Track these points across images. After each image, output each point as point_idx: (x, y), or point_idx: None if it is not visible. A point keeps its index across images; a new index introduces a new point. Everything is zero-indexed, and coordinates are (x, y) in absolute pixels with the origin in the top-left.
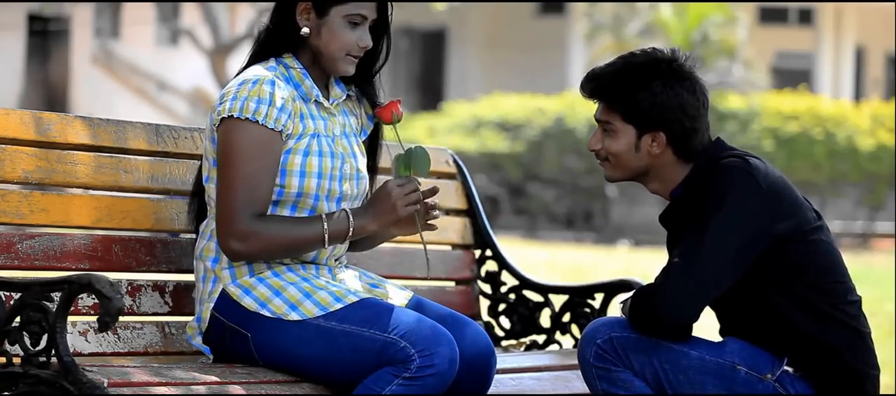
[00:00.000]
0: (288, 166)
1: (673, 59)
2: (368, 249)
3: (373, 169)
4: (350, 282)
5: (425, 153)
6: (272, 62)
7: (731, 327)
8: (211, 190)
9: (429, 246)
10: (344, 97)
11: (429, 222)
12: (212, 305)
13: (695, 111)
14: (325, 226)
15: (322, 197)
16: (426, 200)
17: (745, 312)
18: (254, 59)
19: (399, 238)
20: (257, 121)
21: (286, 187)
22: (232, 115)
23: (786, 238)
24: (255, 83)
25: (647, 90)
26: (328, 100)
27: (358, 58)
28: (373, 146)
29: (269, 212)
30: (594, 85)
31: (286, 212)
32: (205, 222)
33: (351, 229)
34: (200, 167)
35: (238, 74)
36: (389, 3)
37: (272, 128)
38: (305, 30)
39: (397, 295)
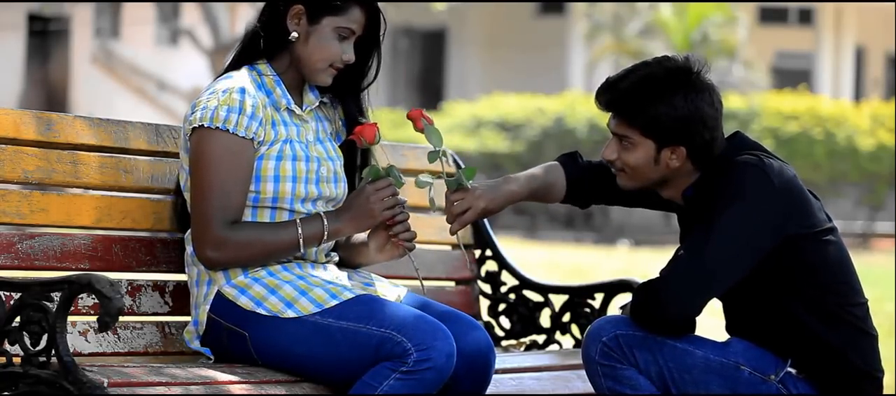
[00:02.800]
0: (262, 172)
1: (689, 69)
2: (362, 266)
3: (354, 169)
4: (345, 279)
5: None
6: (245, 69)
7: (737, 326)
8: (188, 197)
9: (430, 246)
10: (317, 103)
11: (408, 243)
12: (208, 307)
13: (714, 122)
14: (300, 231)
15: (297, 201)
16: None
17: (753, 311)
18: (236, 62)
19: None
20: (228, 130)
21: (261, 193)
22: (203, 125)
23: (798, 237)
24: (225, 92)
25: (669, 105)
26: (301, 107)
27: (339, 70)
28: (354, 153)
29: (246, 219)
30: (610, 97)
31: (266, 217)
32: (191, 228)
33: (325, 232)
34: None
35: (216, 79)
36: (382, 21)
37: (243, 136)
38: (294, 34)
39: (391, 291)
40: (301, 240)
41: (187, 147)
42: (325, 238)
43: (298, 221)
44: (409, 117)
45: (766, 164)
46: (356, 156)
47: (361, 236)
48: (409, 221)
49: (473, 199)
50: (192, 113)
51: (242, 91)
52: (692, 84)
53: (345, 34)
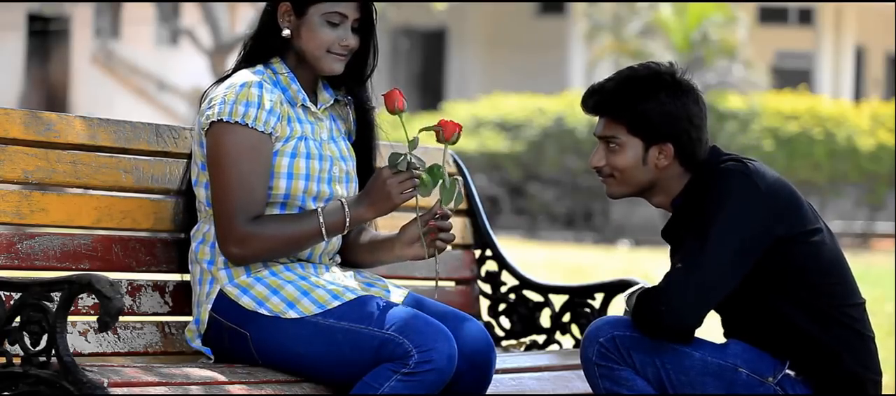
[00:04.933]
0: (275, 168)
1: (672, 72)
2: (379, 265)
3: (371, 169)
4: (347, 280)
5: (455, 183)
6: (260, 67)
7: (733, 328)
8: (200, 193)
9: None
10: (332, 102)
11: (438, 243)
12: (210, 306)
13: (700, 121)
14: (321, 220)
15: (309, 199)
16: (438, 223)
17: (747, 313)
18: (240, 66)
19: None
20: (247, 125)
21: (274, 189)
22: (221, 119)
23: (787, 239)
24: (243, 86)
25: (655, 101)
26: (316, 105)
27: (343, 56)
28: (368, 146)
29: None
30: (597, 99)
31: (276, 213)
32: (197, 225)
33: (347, 219)
34: (186, 167)
35: (224, 79)
36: (372, 5)
37: (262, 131)
38: (286, 31)
39: (394, 292)
40: (324, 230)
41: (202, 141)
42: (348, 225)
43: (320, 210)
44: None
45: (751, 169)
46: (371, 157)
47: (383, 235)
48: (451, 221)
49: None
50: (210, 107)
51: (260, 86)
52: (676, 83)
53: (335, 20)
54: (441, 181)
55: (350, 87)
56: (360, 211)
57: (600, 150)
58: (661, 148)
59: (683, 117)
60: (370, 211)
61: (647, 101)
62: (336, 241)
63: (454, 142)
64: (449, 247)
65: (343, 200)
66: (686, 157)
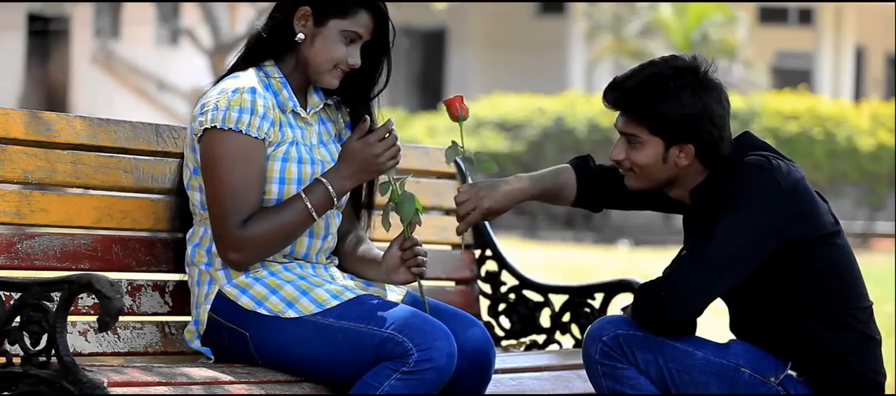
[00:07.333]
0: (267, 173)
1: (696, 68)
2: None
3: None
4: (345, 280)
5: (411, 198)
6: (252, 70)
7: (740, 325)
8: (194, 196)
9: (430, 246)
10: (321, 106)
11: (417, 269)
12: (209, 307)
13: (722, 121)
14: (307, 203)
15: None
16: (413, 247)
17: (755, 311)
18: (242, 62)
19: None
20: (240, 131)
21: (266, 194)
22: (215, 126)
23: (801, 241)
24: (236, 92)
25: (677, 102)
26: (305, 110)
27: (345, 73)
28: None
29: None
30: (618, 95)
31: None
32: (192, 228)
33: (334, 196)
34: (178, 169)
35: (219, 80)
36: (391, 27)
37: (255, 137)
38: (301, 36)
39: (392, 292)
40: (313, 212)
41: (195, 146)
42: (335, 197)
43: (302, 194)
44: (445, 103)
45: (774, 166)
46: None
47: (375, 252)
48: (421, 247)
49: (478, 200)
50: (202, 113)
51: (253, 91)
52: (700, 82)
53: (351, 38)
54: (403, 203)
55: (353, 103)
56: (341, 183)
57: (621, 144)
58: (682, 148)
59: (705, 119)
60: (352, 180)
61: (668, 103)
62: (332, 239)
63: (464, 119)
64: (449, 247)
65: (321, 178)
66: (707, 156)
